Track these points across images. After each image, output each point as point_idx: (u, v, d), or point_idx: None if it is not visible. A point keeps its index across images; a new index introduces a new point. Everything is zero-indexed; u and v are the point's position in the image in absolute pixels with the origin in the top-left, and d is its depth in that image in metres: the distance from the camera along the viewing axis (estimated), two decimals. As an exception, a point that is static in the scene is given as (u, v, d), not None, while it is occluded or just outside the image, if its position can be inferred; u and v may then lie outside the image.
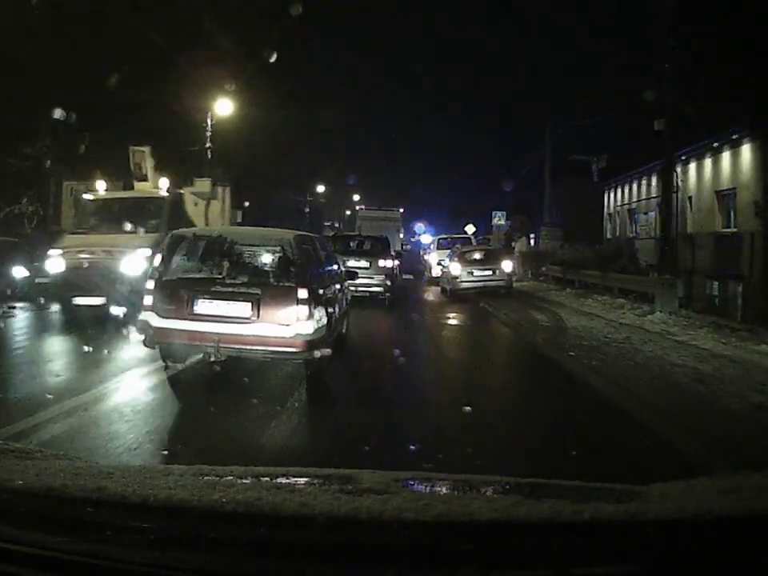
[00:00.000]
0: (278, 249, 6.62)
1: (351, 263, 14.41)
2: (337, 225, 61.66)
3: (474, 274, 17.86)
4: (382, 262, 15.47)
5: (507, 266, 18.40)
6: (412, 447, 4.35)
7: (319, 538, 1.16)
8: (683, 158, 23.74)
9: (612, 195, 33.81)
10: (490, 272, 17.98)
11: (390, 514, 1.19)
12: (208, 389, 6.59)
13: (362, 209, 35.54)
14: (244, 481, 1.64)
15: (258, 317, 6.23)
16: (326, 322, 6.67)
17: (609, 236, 33.08)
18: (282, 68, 33.49)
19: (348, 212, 71.62)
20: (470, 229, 32.60)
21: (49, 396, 5.65)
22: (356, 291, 12.66)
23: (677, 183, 24.07)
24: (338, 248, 14.78)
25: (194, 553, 1.19)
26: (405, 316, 14.58)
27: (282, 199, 46.59)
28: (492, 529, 1.19)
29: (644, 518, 1.19)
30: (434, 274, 23.20)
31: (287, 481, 1.73)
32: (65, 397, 5.70)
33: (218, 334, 6.17)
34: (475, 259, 18.47)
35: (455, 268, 18.01)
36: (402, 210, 33.39)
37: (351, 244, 17.13)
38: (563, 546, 1.18)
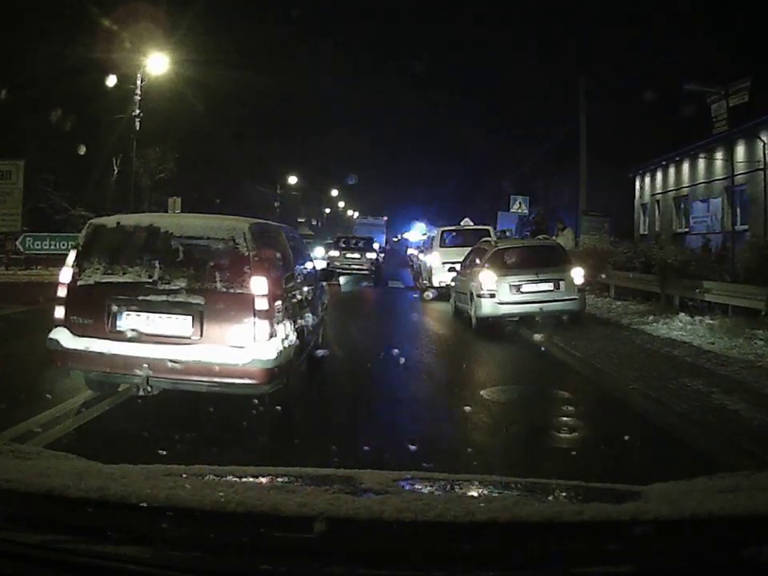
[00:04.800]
0: (228, 243, 5.06)
1: (349, 255, 23.94)
2: (315, 222, 59.19)
3: (523, 290, 10.76)
4: (368, 254, 24.31)
5: (577, 274, 11.05)
6: None
7: (319, 538, 1.16)
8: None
9: (647, 181, 27.47)
10: (550, 285, 10.82)
11: (390, 513, 1.19)
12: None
13: (358, 218, 53.09)
14: (244, 481, 1.65)
15: (201, 335, 4.84)
16: (294, 339, 5.28)
17: (644, 231, 26.82)
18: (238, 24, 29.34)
19: (327, 210, 70.05)
20: (468, 223, 24.82)
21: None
22: (351, 273, 22.78)
23: (765, 154, 17.82)
24: (341, 245, 24.81)
25: (194, 553, 1.19)
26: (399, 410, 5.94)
27: (248, 189, 42.05)
28: (492, 529, 1.19)
29: (644, 518, 1.19)
30: (435, 283, 16.74)
31: (287, 481, 1.73)
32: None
33: (147, 359, 4.75)
34: (523, 263, 11.29)
35: (488, 278, 10.83)
36: (386, 218, 48.74)
37: (350, 242, 25.53)
38: (563, 546, 1.18)
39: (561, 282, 10.80)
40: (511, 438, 4.98)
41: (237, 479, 1.66)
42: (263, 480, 1.72)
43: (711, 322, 10.48)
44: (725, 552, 1.16)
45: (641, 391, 6.28)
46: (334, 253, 24.17)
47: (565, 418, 5.65)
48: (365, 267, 23.56)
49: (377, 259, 25.14)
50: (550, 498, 1.64)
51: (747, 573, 1.14)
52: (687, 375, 6.98)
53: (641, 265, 14.45)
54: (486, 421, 5.54)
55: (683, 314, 11.35)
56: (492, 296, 10.68)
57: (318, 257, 23.77)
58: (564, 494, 1.66)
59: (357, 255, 23.95)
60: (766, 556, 1.12)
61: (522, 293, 10.74)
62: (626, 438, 4.85)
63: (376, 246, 26.73)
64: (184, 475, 1.60)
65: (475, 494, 1.68)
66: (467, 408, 5.81)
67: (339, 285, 18.79)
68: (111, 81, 20.77)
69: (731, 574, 1.16)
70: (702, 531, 1.19)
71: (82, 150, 22.65)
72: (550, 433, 5.22)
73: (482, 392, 6.37)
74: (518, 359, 8.87)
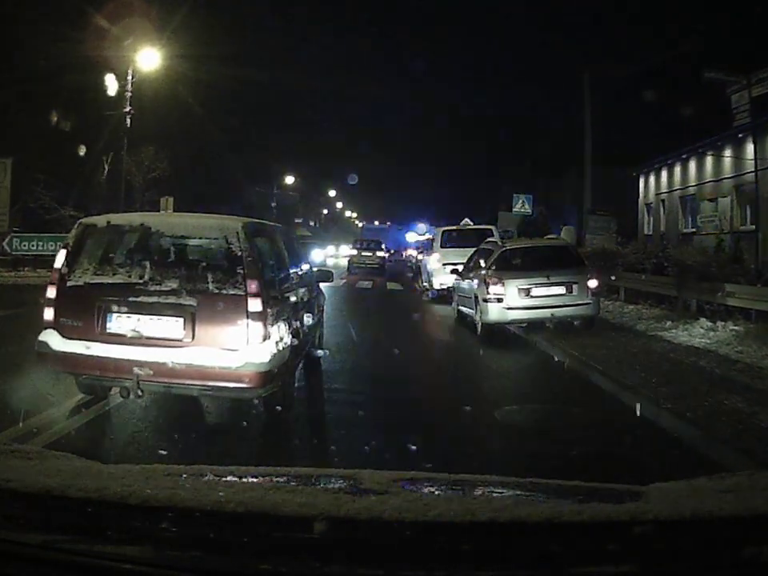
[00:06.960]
0: (221, 243, 4.96)
1: (364, 253, 32.32)
2: (312, 223, 59.76)
3: (533, 294, 10.02)
4: (378, 253, 32.78)
5: (592, 277, 10.34)
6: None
7: (319, 538, 1.16)
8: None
9: (652, 180, 27.02)
10: (563, 288, 10.06)
11: (390, 513, 1.19)
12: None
13: (364, 224, 64.29)
14: (244, 481, 1.65)
15: (193, 338, 4.71)
16: (289, 342, 5.18)
17: (649, 231, 26.68)
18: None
19: (325, 211, 70.76)
20: (467, 223, 22.18)
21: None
22: (365, 268, 30.71)
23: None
24: (358, 246, 33.42)
25: (195, 553, 1.19)
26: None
27: (245, 189, 41.66)
28: (492, 529, 1.19)
29: (644, 518, 1.19)
30: (437, 286, 16.18)
31: (287, 481, 1.73)
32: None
33: (138, 362, 4.63)
34: (533, 265, 10.49)
35: (495, 282, 10.20)
36: (389, 223, 59.39)
37: (364, 244, 33.69)
38: (563, 546, 1.18)
39: (574, 286, 10.03)
40: (535, 475, 4.16)
41: (237, 479, 1.66)
42: (263, 480, 1.72)
43: (735, 328, 9.79)
44: (725, 552, 1.16)
45: (675, 411, 5.59)
46: (353, 251, 33.27)
47: (596, 448, 4.80)
48: (375, 263, 31.93)
49: (384, 257, 33.96)
50: (549, 498, 1.64)
51: (747, 573, 1.14)
52: (721, 390, 6.29)
53: (652, 266, 13.88)
54: (503, 452, 4.87)
55: (703, 319, 10.60)
56: (499, 300, 9.94)
57: (342, 254, 37.05)
58: (564, 494, 1.66)
59: (369, 254, 32.49)
60: (766, 556, 1.12)
61: (531, 297, 10.00)
62: (674, 476, 4.03)
63: (383, 246, 34.66)
64: (184, 475, 1.60)
65: (475, 493, 1.68)
66: (479, 434, 5.17)
67: (357, 275, 27.41)
68: (103, 78, 20.15)
69: (731, 573, 1.15)
70: (702, 531, 1.19)
71: (75, 148, 22.12)
72: (580, 468, 4.25)
73: (495, 413, 5.68)
74: (531, 372, 8.20)
